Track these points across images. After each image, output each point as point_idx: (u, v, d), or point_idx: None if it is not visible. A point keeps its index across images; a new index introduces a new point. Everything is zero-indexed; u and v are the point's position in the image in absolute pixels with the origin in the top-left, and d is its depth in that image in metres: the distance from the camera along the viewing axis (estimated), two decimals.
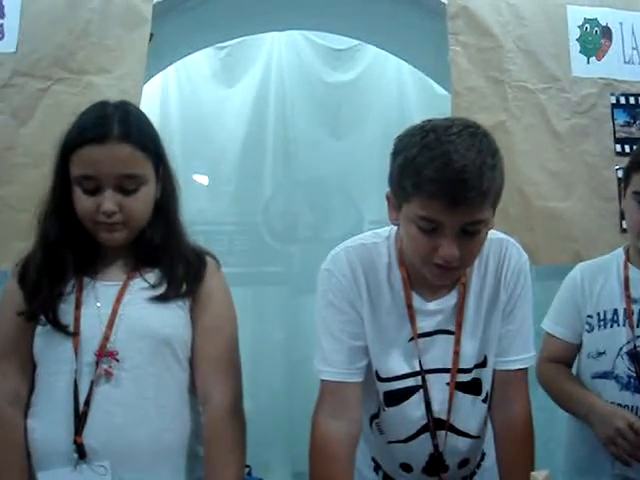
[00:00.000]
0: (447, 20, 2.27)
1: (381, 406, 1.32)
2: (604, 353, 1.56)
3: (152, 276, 1.31)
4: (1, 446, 1.25)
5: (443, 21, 2.29)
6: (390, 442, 1.34)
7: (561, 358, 1.65)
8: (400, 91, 3.30)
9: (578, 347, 1.65)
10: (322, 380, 1.28)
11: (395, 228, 1.28)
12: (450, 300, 1.28)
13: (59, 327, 1.25)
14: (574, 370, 1.68)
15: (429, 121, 1.16)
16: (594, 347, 1.59)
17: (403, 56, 3.01)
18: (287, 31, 3.18)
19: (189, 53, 2.93)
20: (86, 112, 1.31)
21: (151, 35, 2.18)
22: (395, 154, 1.16)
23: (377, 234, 1.32)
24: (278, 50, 3.29)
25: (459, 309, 1.27)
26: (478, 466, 1.40)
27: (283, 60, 3.29)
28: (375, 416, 1.35)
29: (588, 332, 1.61)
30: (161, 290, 1.29)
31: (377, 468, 1.42)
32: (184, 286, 1.31)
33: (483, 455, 1.40)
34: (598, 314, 1.59)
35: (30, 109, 2.07)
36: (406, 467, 1.35)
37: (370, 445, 1.41)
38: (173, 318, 1.30)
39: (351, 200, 3.19)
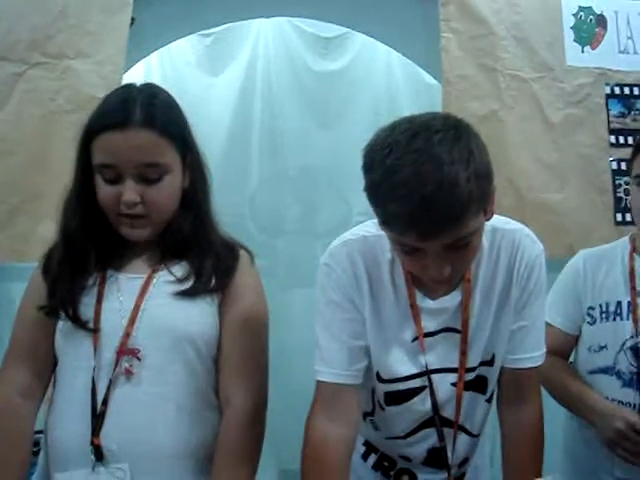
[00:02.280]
0: (438, 6, 2.23)
1: (379, 404, 1.27)
2: (605, 347, 1.50)
3: (179, 269, 1.24)
4: (5, 437, 1.19)
5: (434, 7, 2.24)
6: (387, 438, 1.30)
7: (559, 350, 1.57)
8: (389, 80, 3.22)
9: (576, 339, 1.58)
10: (319, 381, 1.21)
11: None
12: (455, 298, 1.20)
13: (79, 323, 1.19)
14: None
15: (392, 130, 1.02)
16: (595, 340, 1.52)
17: (392, 44, 2.95)
18: (274, 18, 3.10)
19: (173, 40, 2.85)
20: (110, 95, 1.23)
21: (132, 19, 2.11)
22: (364, 171, 1.05)
23: (378, 226, 1.22)
24: (265, 38, 3.21)
25: (464, 307, 1.19)
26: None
27: (270, 48, 3.20)
28: (369, 414, 1.30)
29: (589, 324, 1.54)
30: (188, 285, 1.22)
31: (367, 453, 1.37)
32: (213, 281, 1.24)
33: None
34: (600, 306, 1.53)
35: (5, 94, 2.00)
36: (405, 458, 1.30)
37: (364, 433, 1.35)
38: (199, 315, 1.22)
39: (339, 192, 3.13)
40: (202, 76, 3.21)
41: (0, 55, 2.00)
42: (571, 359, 1.65)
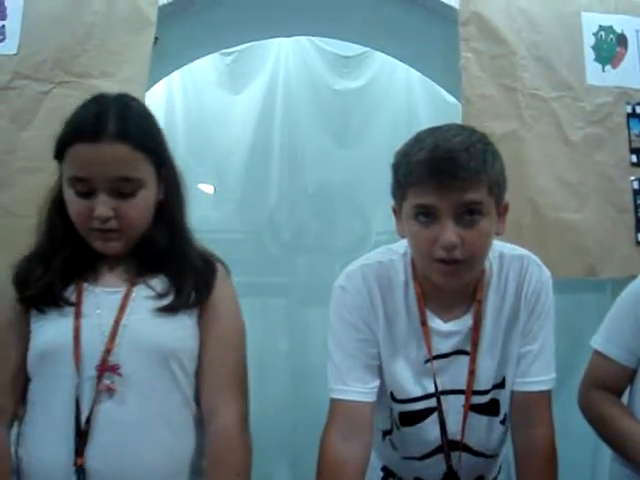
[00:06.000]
0: (458, 26, 2.23)
1: (395, 424, 1.28)
2: None
3: (158, 283, 1.23)
4: None
5: (454, 27, 2.25)
6: (404, 458, 1.30)
7: (611, 383, 1.40)
8: (409, 99, 3.24)
9: (634, 373, 1.38)
10: (334, 399, 1.22)
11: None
12: (467, 321, 1.23)
13: (64, 302, 1.17)
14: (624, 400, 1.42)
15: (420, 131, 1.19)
16: None
17: (412, 64, 2.97)
18: (294, 37, 3.14)
19: (195, 58, 2.89)
20: (83, 106, 1.21)
21: (156, 38, 2.14)
22: (395, 166, 1.18)
23: (392, 250, 1.28)
24: (285, 56, 3.25)
25: (475, 328, 1.22)
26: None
27: (290, 67, 3.24)
28: (388, 432, 1.31)
29: None
30: (168, 300, 1.21)
31: (386, 478, 1.37)
32: (193, 296, 1.23)
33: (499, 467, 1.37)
34: None
35: (31, 113, 2.02)
36: None
37: (382, 456, 1.36)
38: (181, 329, 1.22)
39: (358, 210, 3.14)
40: (223, 94, 3.25)
41: (27, 74, 2.03)
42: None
